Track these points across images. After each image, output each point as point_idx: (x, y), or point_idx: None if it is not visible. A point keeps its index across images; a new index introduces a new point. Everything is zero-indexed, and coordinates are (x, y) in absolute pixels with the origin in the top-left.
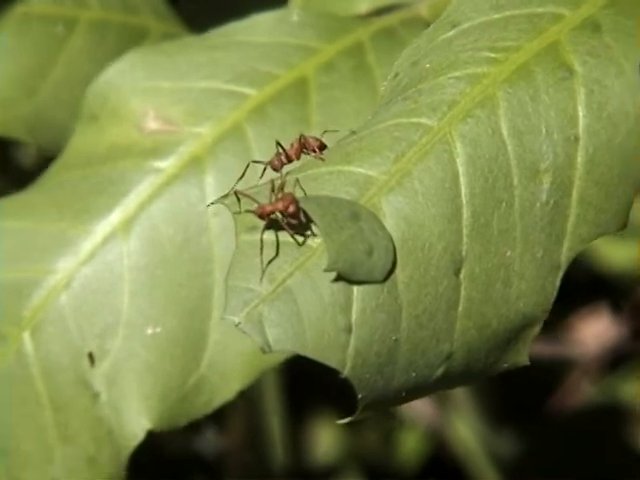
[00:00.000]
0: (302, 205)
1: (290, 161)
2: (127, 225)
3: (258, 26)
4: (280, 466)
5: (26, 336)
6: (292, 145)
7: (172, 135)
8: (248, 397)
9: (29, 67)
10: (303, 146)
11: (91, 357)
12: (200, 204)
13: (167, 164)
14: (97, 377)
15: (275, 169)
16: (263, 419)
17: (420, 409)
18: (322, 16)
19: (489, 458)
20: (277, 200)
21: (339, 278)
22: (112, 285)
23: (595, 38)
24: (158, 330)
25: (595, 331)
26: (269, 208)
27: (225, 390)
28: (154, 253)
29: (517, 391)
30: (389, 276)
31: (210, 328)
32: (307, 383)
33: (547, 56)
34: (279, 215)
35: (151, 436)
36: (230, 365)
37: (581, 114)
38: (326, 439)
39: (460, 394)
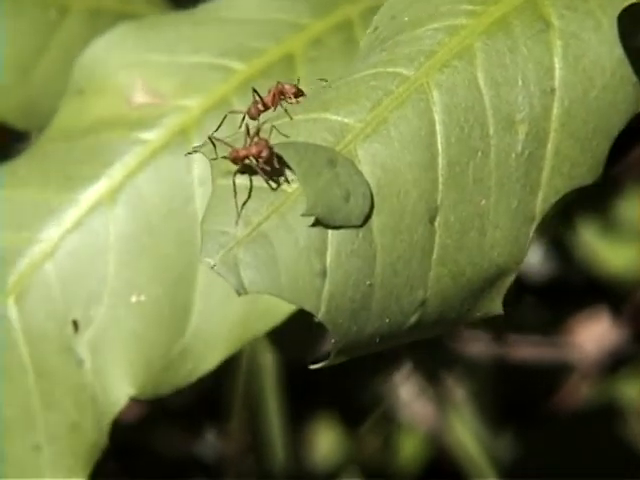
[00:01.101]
0: (279, 151)
1: (267, 108)
2: (113, 194)
3: (245, 2)
4: (280, 470)
5: (10, 302)
6: (269, 91)
7: (159, 107)
8: (248, 401)
9: (22, 52)
10: (280, 93)
11: (75, 324)
12: (186, 175)
13: (154, 135)
14: (81, 344)
15: (253, 117)
16: (263, 423)
17: (419, 412)
18: None
19: (489, 461)
20: (250, 145)
21: (317, 223)
22: (97, 253)
23: None
24: (143, 298)
25: (594, 334)
26: (243, 152)
27: (209, 359)
28: (140, 222)
29: (517, 394)
30: (366, 221)
31: (195, 297)
32: (307, 387)
33: (525, 9)
34: (253, 160)
35: (152, 439)
36: (214, 334)
37: (557, 66)
38: (326, 443)
39: (459, 397)
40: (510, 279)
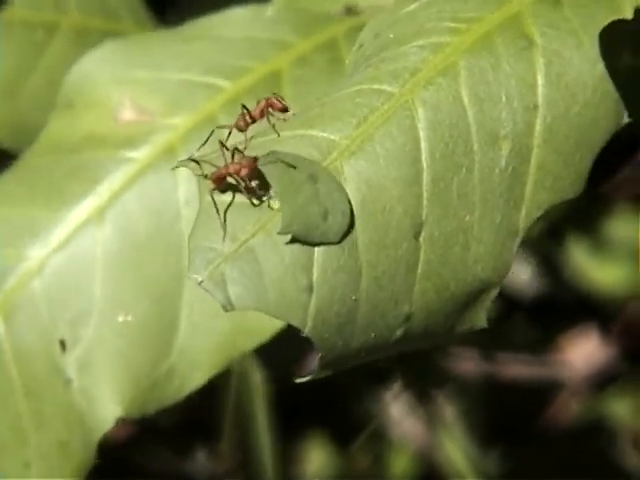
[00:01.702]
0: (261, 166)
1: (254, 121)
2: (100, 212)
3: (233, 20)
4: None
5: None
6: (257, 104)
7: (146, 125)
8: (238, 420)
9: (10, 72)
10: (268, 107)
11: (63, 344)
12: (172, 194)
13: (140, 154)
14: (69, 364)
15: (241, 130)
16: (253, 442)
17: (410, 430)
18: (297, 12)
19: (479, 479)
20: (231, 164)
21: (294, 240)
22: (84, 272)
23: (556, 11)
24: (129, 318)
25: (584, 352)
26: (223, 171)
27: (196, 377)
28: (127, 241)
29: (506, 412)
30: (344, 238)
31: (181, 315)
32: (297, 405)
33: (508, 27)
34: (236, 178)
35: (142, 458)
36: (201, 352)
37: (540, 83)
38: (316, 461)
39: (450, 415)
40: (494, 293)
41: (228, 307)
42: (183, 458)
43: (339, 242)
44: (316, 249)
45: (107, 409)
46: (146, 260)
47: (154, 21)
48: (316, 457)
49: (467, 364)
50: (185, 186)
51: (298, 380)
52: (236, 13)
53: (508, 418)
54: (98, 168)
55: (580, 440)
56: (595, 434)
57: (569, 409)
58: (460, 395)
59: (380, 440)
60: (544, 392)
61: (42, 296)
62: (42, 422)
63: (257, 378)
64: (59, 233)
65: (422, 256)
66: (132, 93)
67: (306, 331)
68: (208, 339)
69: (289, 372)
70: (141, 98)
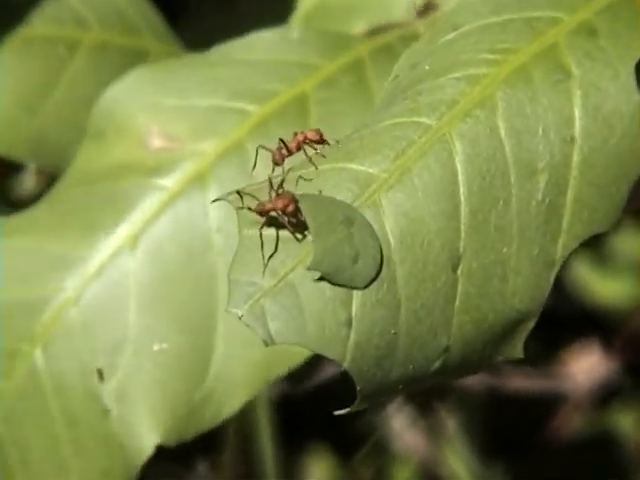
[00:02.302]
0: (300, 202)
1: (291, 154)
2: (133, 241)
3: (258, 44)
4: None
5: (38, 352)
6: (294, 136)
7: (175, 152)
8: (241, 432)
9: (32, 88)
10: (304, 139)
11: (100, 373)
12: (203, 221)
13: (170, 182)
14: (107, 393)
15: (277, 163)
16: (256, 454)
17: (412, 443)
18: (322, 34)
19: None
20: (276, 199)
21: (321, 278)
22: (119, 301)
23: (591, 42)
24: (165, 346)
25: (586, 366)
26: (268, 206)
27: (232, 402)
28: (159, 269)
29: (509, 425)
30: (370, 285)
31: (215, 342)
32: (300, 418)
33: (545, 58)
34: (279, 213)
35: (145, 471)
36: (236, 377)
37: (577, 115)
38: (319, 473)
39: (452, 428)
40: (531, 324)
41: (269, 342)
42: (185, 470)
43: (364, 288)
44: None
45: (145, 437)
46: (179, 287)
47: (175, 38)
48: (318, 469)
49: (470, 377)
50: (216, 213)
51: (337, 413)
52: (261, 36)
53: (510, 431)
54: (129, 197)
55: (583, 453)
56: (598, 447)
57: (572, 422)
58: (462, 408)
59: (382, 452)
60: (546, 405)
61: (79, 326)
62: (83, 451)
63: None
64: (93, 263)
65: (460, 289)
66: (160, 120)
67: (345, 365)
68: (243, 365)
69: (295, 385)
70: (169, 125)
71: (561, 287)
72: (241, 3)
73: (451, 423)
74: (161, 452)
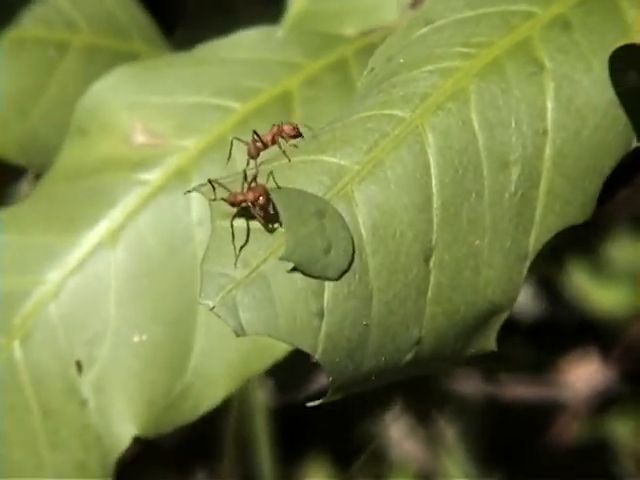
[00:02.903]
0: (271, 195)
1: (266, 147)
2: (114, 236)
3: (243, 42)
4: None
5: (16, 345)
6: (269, 130)
7: (158, 148)
8: (239, 440)
9: (22, 89)
10: (279, 132)
11: (79, 365)
12: (185, 215)
13: (153, 176)
14: (85, 384)
15: (252, 156)
16: (254, 463)
17: (410, 451)
18: (306, 33)
19: None
20: (248, 190)
21: (294, 269)
22: (99, 294)
23: (565, 35)
24: (144, 338)
25: (584, 374)
26: (240, 197)
27: (210, 397)
28: (140, 263)
29: (507, 433)
30: (342, 276)
31: (195, 335)
32: (298, 426)
33: (518, 52)
34: (250, 204)
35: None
36: (215, 372)
37: (550, 108)
38: None
39: (450, 436)
40: (504, 316)
41: (240, 333)
42: (184, 477)
43: (337, 279)
44: None
45: (123, 429)
46: (160, 281)
47: (164, 40)
48: (316, 478)
49: (468, 385)
50: (198, 207)
51: (309, 404)
52: (246, 35)
53: (509, 439)
54: (112, 192)
55: (581, 462)
56: (596, 455)
57: (570, 430)
58: (461, 416)
59: (381, 461)
60: (545, 413)
61: (58, 319)
62: (59, 442)
63: (258, 398)
64: (74, 257)
65: (432, 280)
66: (144, 117)
67: (317, 356)
68: (222, 359)
69: (293, 393)
70: (153, 122)
71: (559, 295)
72: (239, 6)
73: (449, 432)
74: (161, 459)
